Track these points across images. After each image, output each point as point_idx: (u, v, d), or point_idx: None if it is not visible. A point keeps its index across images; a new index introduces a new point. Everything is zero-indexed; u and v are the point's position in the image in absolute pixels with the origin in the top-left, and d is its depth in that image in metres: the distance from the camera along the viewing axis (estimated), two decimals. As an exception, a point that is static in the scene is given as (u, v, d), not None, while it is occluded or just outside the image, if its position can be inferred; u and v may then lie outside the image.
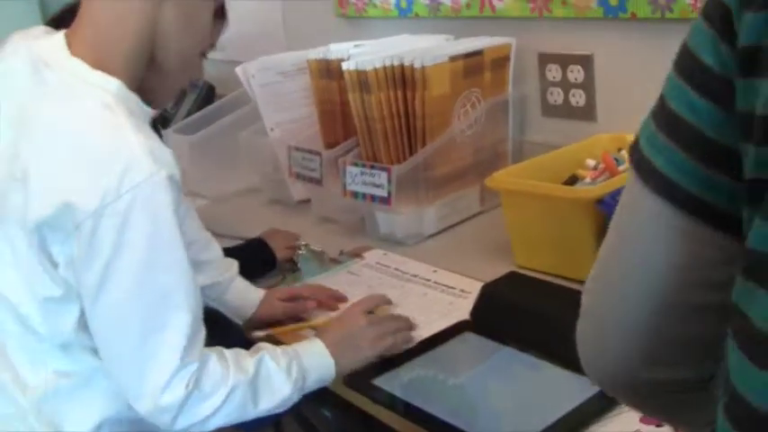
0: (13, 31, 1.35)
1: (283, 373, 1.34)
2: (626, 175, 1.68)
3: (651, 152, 0.76)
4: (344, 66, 1.95)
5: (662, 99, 0.77)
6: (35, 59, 1.26)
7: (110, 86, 1.23)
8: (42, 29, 1.35)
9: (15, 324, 1.27)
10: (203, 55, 1.42)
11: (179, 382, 1.23)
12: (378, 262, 1.91)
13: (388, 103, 1.93)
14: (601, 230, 1.58)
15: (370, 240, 2.01)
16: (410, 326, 1.56)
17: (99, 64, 1.24)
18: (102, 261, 1.17)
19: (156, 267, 1.20)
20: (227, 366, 1.29)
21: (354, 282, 1.82)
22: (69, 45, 1.26)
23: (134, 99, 1.27)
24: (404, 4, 2.42)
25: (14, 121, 1.23)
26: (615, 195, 1.57)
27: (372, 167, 1.93)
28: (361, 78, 1.93)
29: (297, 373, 1.36)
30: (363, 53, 2.03)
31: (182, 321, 1.22)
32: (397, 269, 1.86)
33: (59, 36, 1.28)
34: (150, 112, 1.32)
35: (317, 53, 2.14)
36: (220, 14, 1.40)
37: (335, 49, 2.11)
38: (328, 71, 2.10)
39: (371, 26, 2.54)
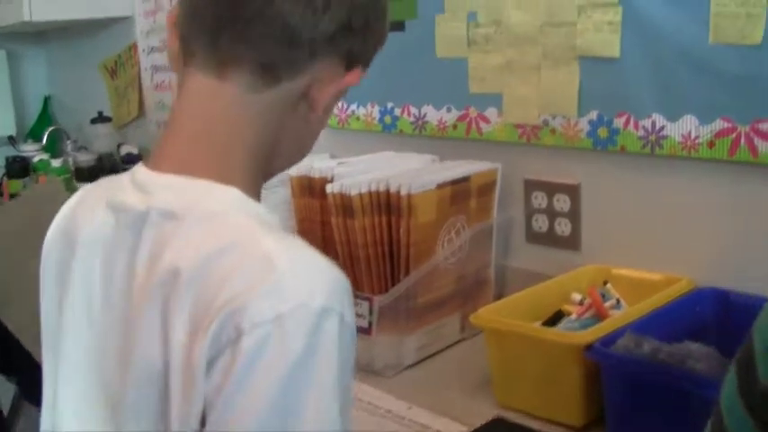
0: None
1: None
2: (614, 318, 1.67)
3: None
4: (329, 188, 1.91)
5: None
6: None
7: None
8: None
9: None
10: None
11: None
12: (350, 394, 1.83)
13: (372, 229, 1.88)
14: (589, 376, 1.57)
15: (348, 367, 1.94)
16: None
17: None
18: None
19: None
20: None
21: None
22: None
23: None
24: (388, 120, 2.40)
25: None
26: (605, 342, 1.54)
27: (355, 296, 1.87)
28: (346, 202, 1.89)
29: None
30: (348, 173, 1.99)
31: None
32: (370, 403, 1.78)
33: None
34: None
35: (299, 169, 2.09)
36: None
37: (319, 167, 2.06)
38: (310, 189, 2.06)
39: (353, 139, 2.51)
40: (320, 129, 1.18)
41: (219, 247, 0.95)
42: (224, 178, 1.04)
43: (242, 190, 1.04)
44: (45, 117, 4.20)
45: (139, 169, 1.09)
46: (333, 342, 0.91)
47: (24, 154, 3.82)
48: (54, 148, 3.88)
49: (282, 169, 1.18)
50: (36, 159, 3.75)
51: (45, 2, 3.26)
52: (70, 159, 3.66)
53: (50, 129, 3.98)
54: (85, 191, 1.20)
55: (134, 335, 1.00)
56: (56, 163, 3.67)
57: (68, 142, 3.83)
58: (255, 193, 1.09)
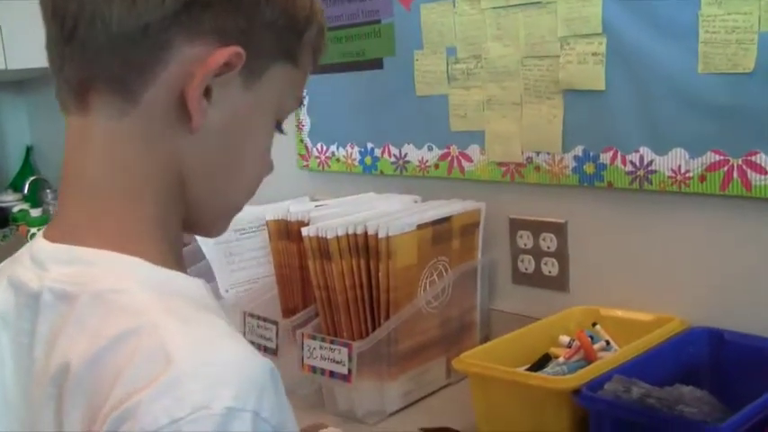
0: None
1: None
2: (604, 360, 1.60)
3: None
4: (304, 231, 1.84)
5: None
6: None
7: None
8: None
9: None
10: None
11: None
12: (335, 442, 1.76)
13: (350, 272, 1.81)
14: (577, 421, 1.49)
15: (329, 416, 1.86)
16: None
17: None
18: None
19: None
20: None
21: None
22: None
23: None
24: (368, 161, 2.33)
25: None
26: (592, 387, 1.46)
27: (332, 342, 1.80)
28: (322, 246, 1.81)
29: None
30: (325, 216, 1.92)
31: None
32: (352, 451, 1.72)
33: None
34: None
35: (276, 212, 2.03)
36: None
37: (295, 210, 2.00)
38: (288, 233, 1.99)
39: (334, 181, 2.45)
40: (233, 144, 0.93)
41: (113, 336, 0.79)
42: (122, 242, 0.87)
43: (147, 253, 0.87)
44: (27, 168, 4.14)
45: (37, 238, 0.93)
46: None
47: (4, 204, 3.76)
48: (35, 199, 3.82)
49: (214, 213, 0.98)
50: (16, 209, 3.69)
51: (21, 50, 3.21)
52: (50, 209, 3.60)
53: (32, 179, 3.92)
54: (2, 264, 1.02)
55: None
56: (35, 213, 3.61)
57: (48, 192, 3.76)
58: (169, 252, 0.91)
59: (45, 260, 0.88)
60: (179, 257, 0.94)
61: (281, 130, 0.99)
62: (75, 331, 0.82)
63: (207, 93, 0.86)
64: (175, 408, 0.73)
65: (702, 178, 1.69)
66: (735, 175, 1.65)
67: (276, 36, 0.91)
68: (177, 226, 0.93)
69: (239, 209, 1.00)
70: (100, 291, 0.83)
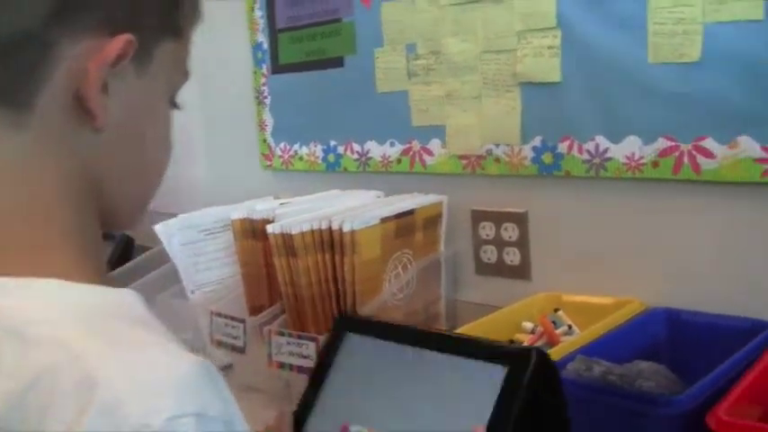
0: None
1: None
2: (566, 342, 1.63)
3: None
4: (269, 228, 1.87)
5: None
6: None
7: None
8: None
9: None
10: None
11: None
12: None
13: (315, 268, 1.84)
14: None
15: (298, 410, 1.89)
16: None
17: None
18: None
19: None
20: None
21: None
22: None
23: None
24: (331, 158, 2.36)
25: None
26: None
27: (300, 337, 1.83)
28: (287, 242, 1.84)
29: None
30: (290, 213, 1.95)
31: None
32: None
33: None
34: None
35: (240, 212, 2.05)
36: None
37: (260, 209, 2.02)
38: (253, 232, 2.02)
39: (298, 180, 2.47)
40: (138, 133, 0.88)
41: (33, 375, 0.72)
42: (36, 262, 0.79)
43: (65, 269, 0.80)
44: None
45: None
46: None
47: None
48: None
49: (131, 206, 0.93)
50: None
51: None
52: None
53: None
54: None
55: None
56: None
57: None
58: (89, 263, 0.84)
59: None
60: (100, 265, 0.89)
61: (176, 106, 0.94)
62: None
63: (103, 87, 0.81)
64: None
65: (655, 164, 1.74)
66: (685, 159, 1.69)
67: (158, 14, 0.86)
68: (96, 231, 0.88)
69: (153, 195, 0.96)
70: (14, 325, 0.75)
